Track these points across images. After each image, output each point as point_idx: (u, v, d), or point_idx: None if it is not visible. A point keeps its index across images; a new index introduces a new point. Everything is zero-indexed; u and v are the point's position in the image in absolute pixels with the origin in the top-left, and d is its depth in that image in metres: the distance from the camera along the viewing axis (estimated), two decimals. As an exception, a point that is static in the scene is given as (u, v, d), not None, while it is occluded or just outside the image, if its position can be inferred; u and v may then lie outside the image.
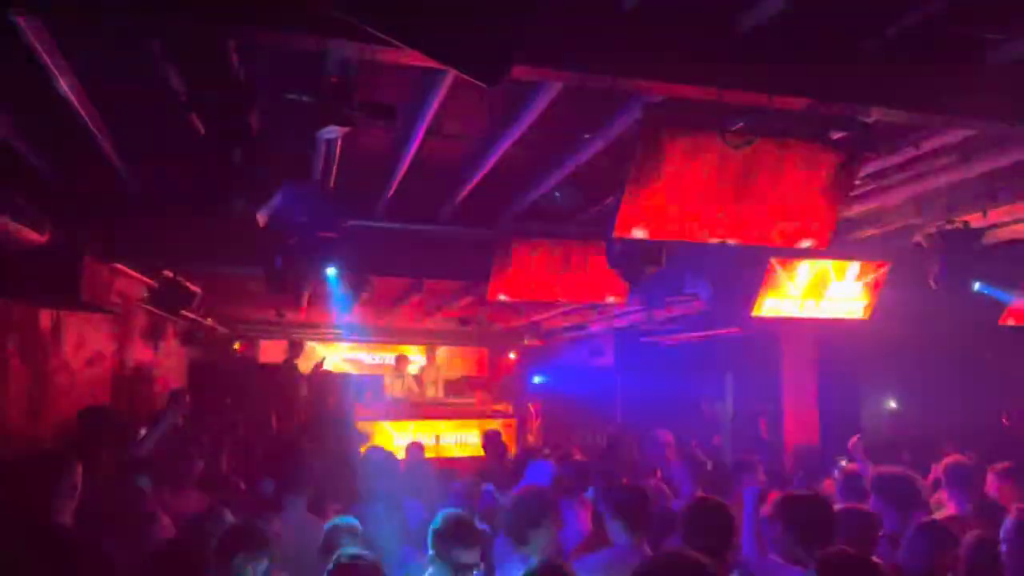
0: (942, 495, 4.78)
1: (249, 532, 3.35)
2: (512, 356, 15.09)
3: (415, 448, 7.57)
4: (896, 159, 4.54)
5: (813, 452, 7.97)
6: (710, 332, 9.76)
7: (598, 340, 12.30)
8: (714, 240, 4.21)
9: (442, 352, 14.67)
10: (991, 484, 4.76)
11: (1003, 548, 3.51)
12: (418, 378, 13.23)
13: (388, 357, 14.33)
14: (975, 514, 4.36)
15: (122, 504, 4.02)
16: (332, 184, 4.93)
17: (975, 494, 4.61)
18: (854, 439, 5.88)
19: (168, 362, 10.13)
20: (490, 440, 8.05)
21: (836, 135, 3.77)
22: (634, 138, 3.68)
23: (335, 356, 14.57)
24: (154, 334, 9.24)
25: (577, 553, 4.16)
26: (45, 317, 6.12)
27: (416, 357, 14.36)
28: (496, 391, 14.13)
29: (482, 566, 3.56)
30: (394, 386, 12.56)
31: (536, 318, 11.21)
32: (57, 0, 2.70)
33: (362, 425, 9.98)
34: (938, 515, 4.45)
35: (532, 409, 13.81)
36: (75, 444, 4.93)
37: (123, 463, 4.62)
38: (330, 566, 3.04)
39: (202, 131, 3.49)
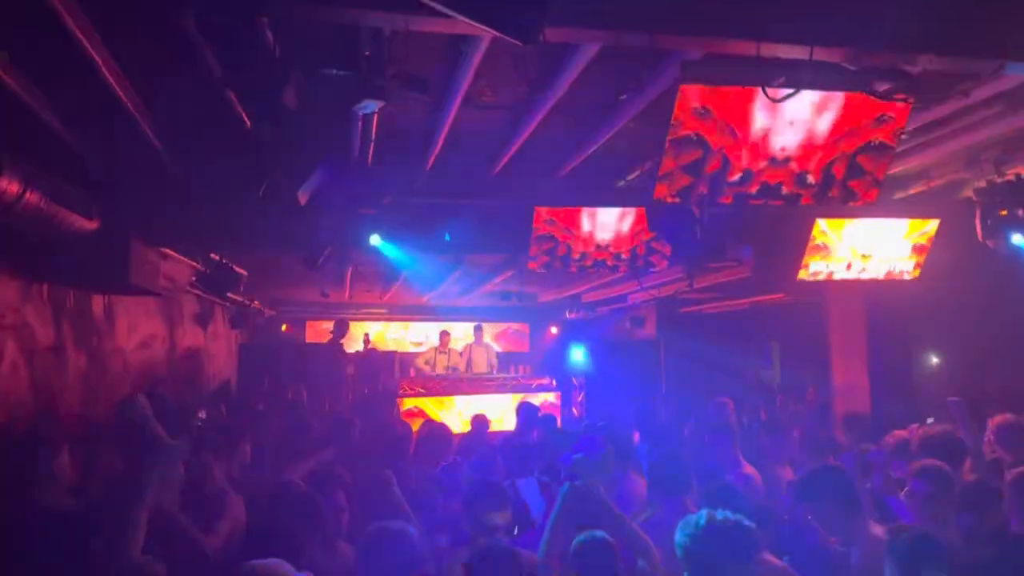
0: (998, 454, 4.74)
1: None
2: (554, 330, 15.10)
3: (479, 421, 7.72)
4: (943, 110, 4.40)
5: (864, 419, 7.84)
6: (754, 299, 9.63)
7: (640, 312, 12.23)
8: (757, 200, 4.14)
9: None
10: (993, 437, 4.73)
11: None
12: (464, 354, 13.23)
13: (432, 335, 14.34)
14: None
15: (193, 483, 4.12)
16: (370, 160, 4.96)
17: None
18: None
19: (217, 345, 10.34)
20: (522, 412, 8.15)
21: (881, 87, 3.66)
22: (672, 99, 3.62)
23: (380, 334, 14.71)
24: (203, 318, 9.42)
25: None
26: (97, 302, 6.27)
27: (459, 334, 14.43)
28: (538, 365, 14.18)
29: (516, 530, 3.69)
30: (438, 362, 12.60)
31: (577, 290, 11.18)
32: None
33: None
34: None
35: (575, 382, 13.83)
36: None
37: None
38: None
39: (239, 109, 3.52)
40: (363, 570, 3.30)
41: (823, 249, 6.22)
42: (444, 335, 13.06)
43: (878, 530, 3.42)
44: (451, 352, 12.82)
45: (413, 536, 3.29)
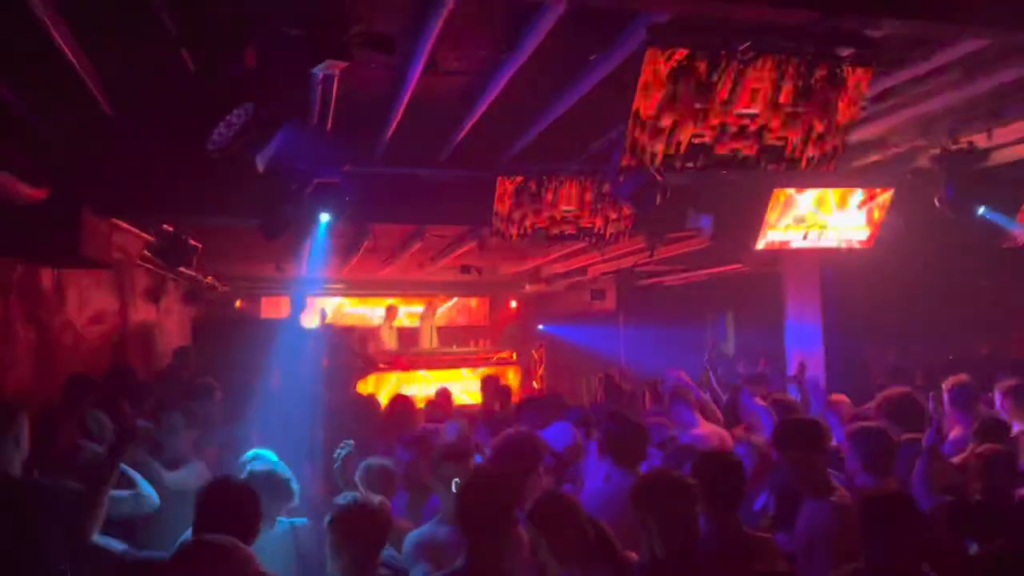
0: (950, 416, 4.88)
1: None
2: (514, 304, 15.10)
3: (443, 394, 7.76)
4: (898, 78, 4.45)
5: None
6: (712, 270, 9.74)
7: (599, 284, 12.29)
8: (718, 166, 4.16)
9: (444, 304, 14.66)
10: (999, 402, 4.87)
11: None
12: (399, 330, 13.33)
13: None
14: (978, 431, 4.41)
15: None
16: (329, 127, 4.85)
17: (976, 413, 4.75)
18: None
19: (170, 320, 10.13)
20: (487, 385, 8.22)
21: (844, 52, 3.69)
22: (638, 65, 3.61)
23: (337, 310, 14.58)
24: (156, 293, 9.22)
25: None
26: (46, 275, 6.09)
27: (412, 309, 14.44)
28: (499, 339, 14.20)
29: None
30: (389, 338, 12.60)
31: (537, 263, 11.18)
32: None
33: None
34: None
35: (536, 356, 13.88)
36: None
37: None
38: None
39: (194, 71, 3.41)
40: None
41: (780, 219, 6.29)
42: (391, 310, 13.06)
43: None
44: (396, 328, 12.90)
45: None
